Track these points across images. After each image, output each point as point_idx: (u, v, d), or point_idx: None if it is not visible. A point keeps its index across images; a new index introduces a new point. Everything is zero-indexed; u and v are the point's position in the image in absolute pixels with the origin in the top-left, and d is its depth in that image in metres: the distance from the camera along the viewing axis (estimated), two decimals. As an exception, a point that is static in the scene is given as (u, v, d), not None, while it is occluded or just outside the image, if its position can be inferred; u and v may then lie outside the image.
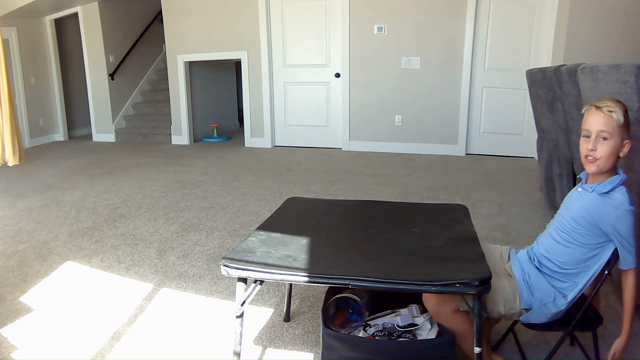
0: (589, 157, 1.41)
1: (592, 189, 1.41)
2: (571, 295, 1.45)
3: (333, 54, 5.99)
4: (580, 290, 1.45)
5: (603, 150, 1.38)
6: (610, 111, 1.37)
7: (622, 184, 1.39)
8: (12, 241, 3.10)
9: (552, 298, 1.46)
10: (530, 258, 1.56)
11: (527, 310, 1.49)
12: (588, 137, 1.41)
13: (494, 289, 1.45)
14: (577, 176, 1.54)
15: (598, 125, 1.39)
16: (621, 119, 1.37)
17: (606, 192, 1.38)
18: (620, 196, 1.37)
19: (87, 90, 7.41)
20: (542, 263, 1.52)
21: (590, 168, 1.42)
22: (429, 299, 1.50)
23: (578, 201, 1.47)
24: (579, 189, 1.49)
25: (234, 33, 6.29)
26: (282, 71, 6.26)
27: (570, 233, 1.45)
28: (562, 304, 1.46)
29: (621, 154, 1.39)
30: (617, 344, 1.42)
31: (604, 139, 1.38)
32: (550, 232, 1.55)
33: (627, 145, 1.39)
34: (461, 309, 1.46)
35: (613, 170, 1.42)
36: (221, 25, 6.35)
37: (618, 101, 1.42)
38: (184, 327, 2.01)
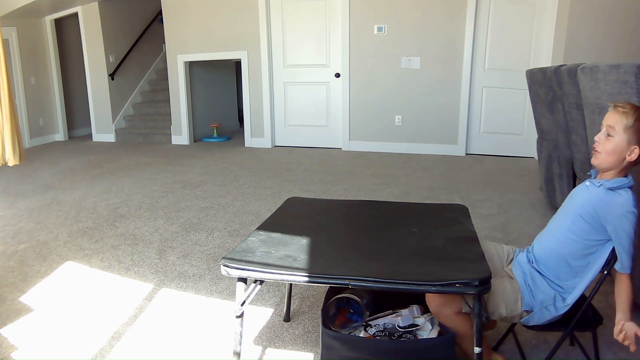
0: (594, 148, 1.47)
1: (600, 184, 1.44)
2: (571, 297, 1.46)
3: (333, 54, 5.99)
4: (580, 294, 1.45)
5: (606, 145, 1.43)
6: (623, 111, 1.41)
7: (629, 187, 1.40)
8: (12, 241, 3.10)
9: (552, 300, 1.47)
10: (529, 260, 1.57)
11: (528, 312, 1.49)
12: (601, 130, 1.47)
13: (496, 292, 1.45)
14: (587, 172, 1.55)
15: (608, 120, 1.45)
16: (631, 121, 1.39)
17: (613, 189, 1.40)
18: (626, 196, 1.39)
19: (87, 90, 7.40)
20: (540, 262, 1.52)
21: (593, 159, 1.47)
22: (431, 300, 1.50)
23: (584, 194, 1.48)
24: (587, 183, 1.50)
25: (234, 33, 6.29)
26: (282, 71, 6.26)
27: (571, 226, 1.46)
28: (561, 307, 1.46)
29: (628, 158, 1.40)
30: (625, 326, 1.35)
31: (609, 134, 1.43)
32: (550, 227, 1.56)
33: (636, 151, 1.39)
34: (463, 311, 1.46)
35: (622, 173, 1.44)
36: (221, 25, 6.34)
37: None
38: (184, 327, 2.01)
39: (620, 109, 1.42)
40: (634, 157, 1.40)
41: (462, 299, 1.42)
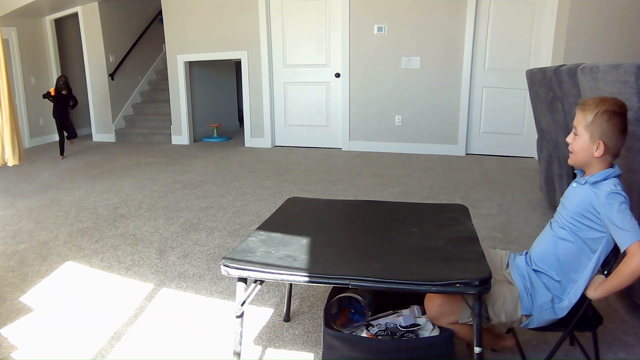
0: (569, 148, 1.50)
1: (585, 181, 1.44)
2: (569, 300, 1.45)
3: (333, 54, 5.99)
4: (577, 297, 1.44)
5: (574, 144, 1.46)
6: (583, 109, 1.42)
7: (614, 177, 1.40)
8: (12, 241, 3.09)
9: (551, 305, 1.46)
10: (527, 263, 1.56)
11: (527, 316, 1.49)
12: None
13: (496, 298, 1.45)
14: (574, 171, 1.56)
15: (575, 120, 1.47)
16: (590, 118, 1.39)
17: (597, 182, 1.40)
18: (609, 183, 1.38)
19: (87, 90, 7.40)
20: (538, 265, 1.52)
21: (569, 159, 1.51)
22: (429, 309, 1.50)
23: (574, 197, 1.49)
24: (574, 184, 1.51)
25: (234, 33, 6.29)
26: (282, 71, 6.26)
27: (567, 227, 1.46)
28: (559, 311, 1.46)
29: (596, 154, 1.40)
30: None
31: (575, 134, 1.46)
32: (548, 231, 1.56)
33: (600, 147, 1.38)
34: (460, 322, 1.47)
35: (607, 165, 1.43)
36: (221, 25, 6.34)
37: (605, 101, 1.41)
38: (184, 327, 2.01)
39: (582, 106, 1.43)
40: (601, 151, 1.39)
41: (463, 299, 1.42)
